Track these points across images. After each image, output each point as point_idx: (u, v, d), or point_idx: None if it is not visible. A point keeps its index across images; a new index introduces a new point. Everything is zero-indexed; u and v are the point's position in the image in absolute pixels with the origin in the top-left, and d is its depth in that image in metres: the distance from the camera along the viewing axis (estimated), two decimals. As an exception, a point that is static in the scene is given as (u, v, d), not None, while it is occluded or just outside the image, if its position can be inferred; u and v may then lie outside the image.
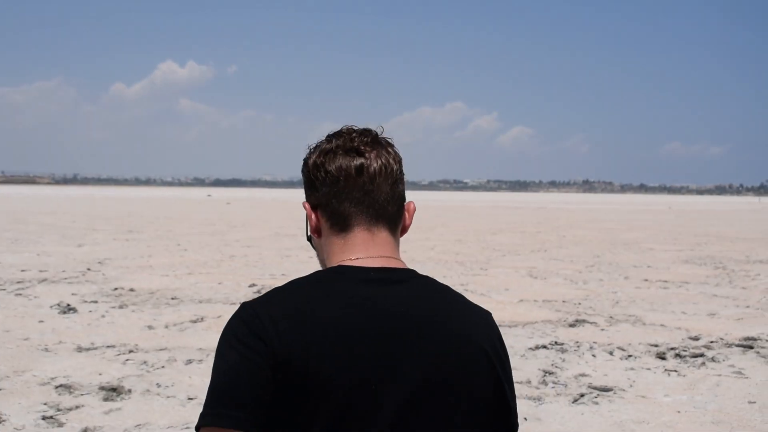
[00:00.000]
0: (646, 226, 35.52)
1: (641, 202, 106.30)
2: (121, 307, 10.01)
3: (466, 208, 61.81)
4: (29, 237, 22.35)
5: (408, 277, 1.41)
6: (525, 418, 5.50)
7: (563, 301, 11.08)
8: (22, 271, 13.78)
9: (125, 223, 30.88)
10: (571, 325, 9.12)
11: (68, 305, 9.90)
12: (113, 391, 6.05)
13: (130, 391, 6.10)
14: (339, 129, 1.49)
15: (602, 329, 8.92)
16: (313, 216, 1.47)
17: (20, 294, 10.95)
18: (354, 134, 1.45)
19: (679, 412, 5.74)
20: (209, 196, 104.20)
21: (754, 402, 6.00)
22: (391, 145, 1.49)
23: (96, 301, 10.40)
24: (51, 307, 9.86)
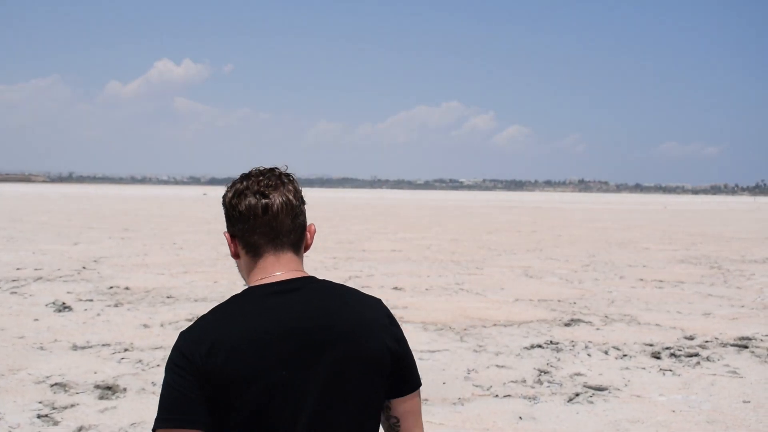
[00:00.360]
0: (642, 225, 35.60)
1: (637, 202, 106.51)
2: (116, 305, 10.00)
3: (462, 208, 61.85)
4: (25, 235, 22.32)
5: (304, 284, 1.75)
6: (520, 417, 5.51)
7: (558, 301, 11.10)
8: (18, 269, 13.77)
9: (121, 222, 30.84)
10: (567, 325, 9.14)
11: (63, 303, 9.89)
12: (108, 390, 6.05)
13: (125, 389, 6.09)
14: (250, 170, 1.82)
15: (597, 329, 8.94)
16: (231, 244, 1.82)
17: (15, 292, 10.94)
18: (261, 177, 1.77)
19: (673, 411, 5.75)
20: (205, 194, 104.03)
21: (749, 401, 6.02)
22: (292, 182, 1.81)
23: (91, 300, 10.40)
24: (46, 305, 9.85)
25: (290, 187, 1.79)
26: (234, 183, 1.81)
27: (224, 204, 1.80)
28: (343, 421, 1.69)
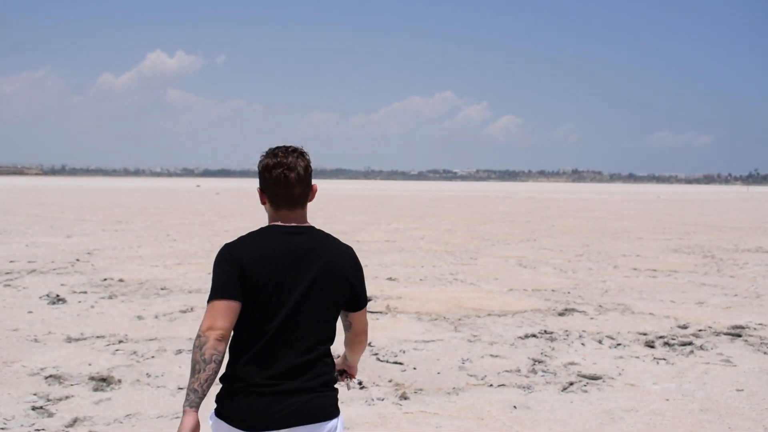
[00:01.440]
0: (635, 215, 35.66)
1: (630, 192, 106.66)
2: (110, 297, 9.99)
3: (456, 198, 61.86)
4: (18, 228, 22.26)
5: (307, 230, 2.68)
6: (515, 407, 5.53)
7: (552, 290, 11.12)
8: (11, 262, 13.73)
9: (114, 214, 30.78)
10: (561, 314, 9.16)
11: (57, 296, 9.87)
12: (103, 381, 6.04)
13: (119, 381, 6.09)
14: (277, 148, 2.68)
15: (591, 318, 8.96)
16: (261, 196, 2.72)
17: (9, 285, 10.91)
18: (285, 157, 2.64)
19: (667, 400, 5.77)
20: (198, 186, 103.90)
21: (742, 390, 6.05)
22: (305, 159, 2.68)
23: (85, 292, 10.38)
24: (40, 297, 9.83)
25: (302, 164, 2.65)
26: (267, 156, 2.67)
27: (258, 168, 2.68)
28: (312, 312, 2.62)
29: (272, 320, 2.58)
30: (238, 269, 2.54)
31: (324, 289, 2.64)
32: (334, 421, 2.65)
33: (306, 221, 2.72)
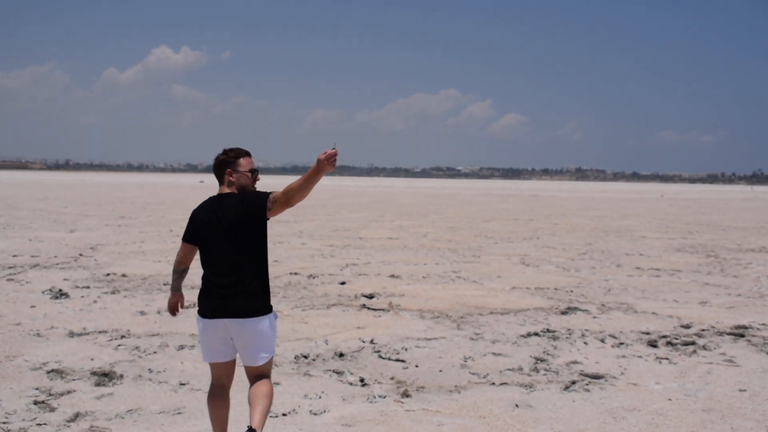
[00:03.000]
0: (639, 214, 35.60)
1: (634, 190, 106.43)
2: (113, 292, 10.00)
3: (459, 196, 61.81)
4: (21, 222, 22.28)
5: (228, 195, 4.12)
6: (516, 405, 5.52)
7: (555, 289, 11.11)
8: (14, 256, 13.75)
9: (117, 209, 30.81)
10: (563, 313, 9.15)
11: (60, 290, 9.88)
12: (105, 377, 6.05)
13: (122, 376, 6.09)
14: (229, 147, 4.28)
15: (594, 317, 8.95)
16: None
17: (12, 279, 10.92)
18: (225, 152, 4.21)
19: (670, 399, 5.76)
20: (202, 182, 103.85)
21: (745, 390, 6.03)
22: (224, 155, 4.19)
23: (88, 287, 10.39)
24: (43, 292, 9.84)
25: (220, 158, 4.19)
26: (221, 152, 4.25)
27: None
28: (241, 242, 4.03)
29: (215, 250, 4.07)
30: (192, 223, 4.18)
31: (243, 226, 4.02)
32: (262, 318, 4.05)
33: (229, 191, 4.14)
